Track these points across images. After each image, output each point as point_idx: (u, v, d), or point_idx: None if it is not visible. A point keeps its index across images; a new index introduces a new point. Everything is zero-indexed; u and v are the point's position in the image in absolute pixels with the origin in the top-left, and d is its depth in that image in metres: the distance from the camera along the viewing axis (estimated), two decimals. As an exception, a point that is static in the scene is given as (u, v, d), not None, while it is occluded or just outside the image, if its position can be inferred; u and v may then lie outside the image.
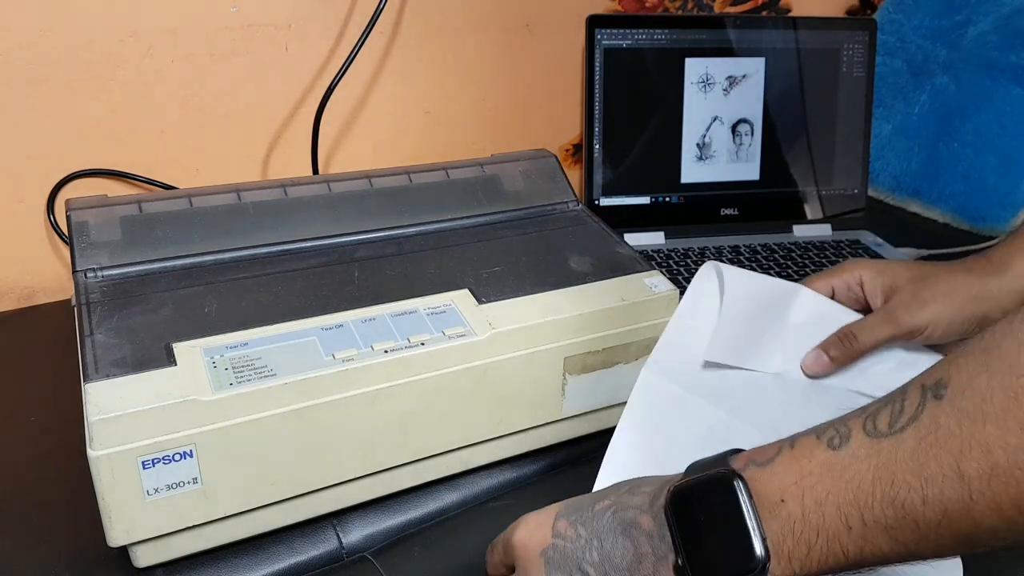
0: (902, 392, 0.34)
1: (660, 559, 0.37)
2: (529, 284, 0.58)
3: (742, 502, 0.35)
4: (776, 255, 0.90)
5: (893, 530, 0.32)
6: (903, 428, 0.33)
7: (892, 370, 0.54)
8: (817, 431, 0.36)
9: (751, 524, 0.35)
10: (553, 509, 0.43)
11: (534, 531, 0.42)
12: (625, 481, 0.43)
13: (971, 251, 0.56)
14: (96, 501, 0.46)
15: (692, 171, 0.95)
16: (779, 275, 0.85)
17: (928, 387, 0.33)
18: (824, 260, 0.88)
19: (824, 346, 0.55)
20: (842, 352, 0.54)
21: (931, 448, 0.32)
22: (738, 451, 0.39)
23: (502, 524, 0.55)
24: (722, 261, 0.87)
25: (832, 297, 0.58)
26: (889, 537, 0.33)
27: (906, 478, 0.32)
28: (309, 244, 0.62)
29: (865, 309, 0.57)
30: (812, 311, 0.56)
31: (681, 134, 0.94)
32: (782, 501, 0.35)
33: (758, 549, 0.34)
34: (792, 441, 0.37)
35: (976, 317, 0.53)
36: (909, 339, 0.54)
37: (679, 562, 0.36)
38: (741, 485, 0.36)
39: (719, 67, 0.94)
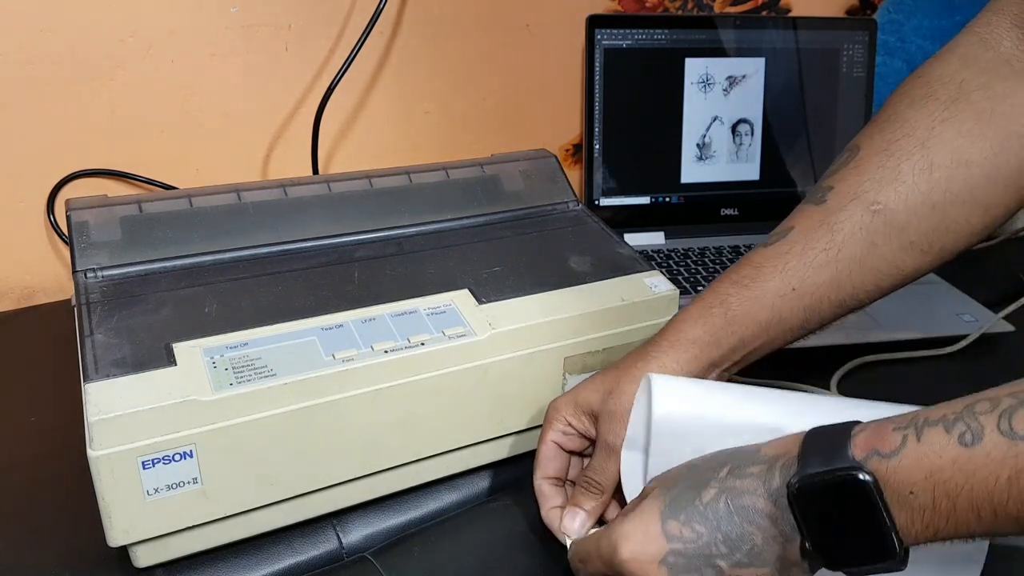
0: None
1: (788, 540, 0.38)
2: (529, 284, 0.58)
3: (877, 504, 0.36)
4: (776, 255, 0.90)
5: (1023, 519, 0.33)
6: None
7: None
8: (945, 423, 0.36)
9: (887, 523, 0.36)
10: (652, 513, 0.42)
11: (644, 542, 0.42)
12: (711, 458, 0.43)
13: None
14: (96, 501, 0.46)
15: (692, 171, 0.95)
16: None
17: None
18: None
19: (574, 501, 0.52)
20: (594, 500, 0.51)
21: None
22: (855, 424, 0.38)
23: (502, 524, 0.55)
24: (722, 261, 0.88)
25: (569, 454, 0.54)
26: (1018, 525, 0.34)
27: None
28: (309, 244, 0.61)
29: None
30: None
31: (681, 134, 0.94)
32: (911, 493, 0.35)
33: (894, 544, 0.36)
34: (918, 431, 0.36)
35: None
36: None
37: (807, 546, 0.37)
38: (873, 487, 0.36)
39: (719, 67, 0.94)
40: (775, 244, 0.53)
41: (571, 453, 0.54)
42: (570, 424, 0.53)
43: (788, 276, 0.51)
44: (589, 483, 0.51)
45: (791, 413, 0.46)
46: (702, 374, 0.52)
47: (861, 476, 0.36)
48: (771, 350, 0.54)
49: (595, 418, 0.52)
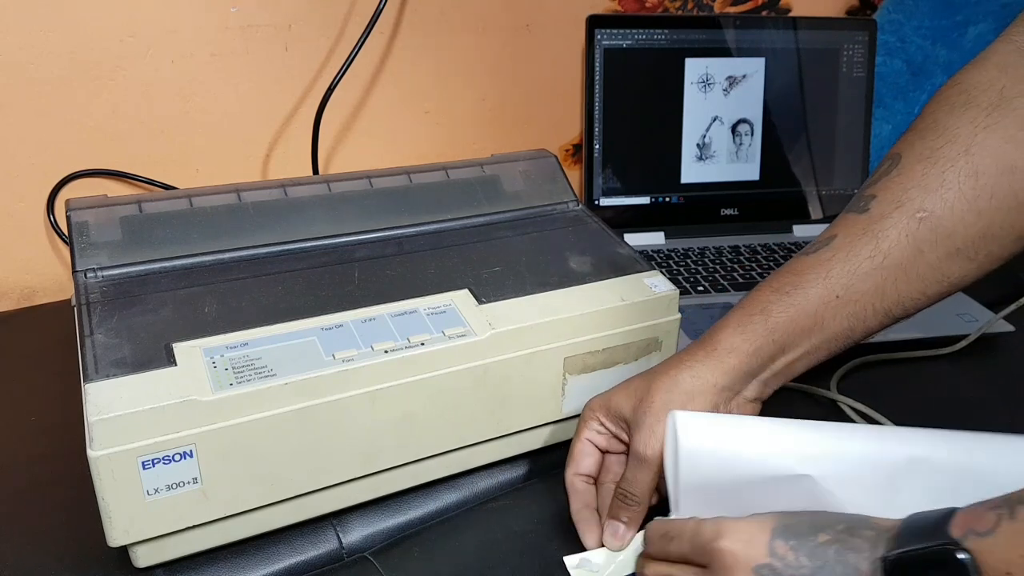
0: None
1: None
2: (529, 284, 0.58)
3: None
4: (776, 255, 0.90)
5: None
6: None
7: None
8: None
9: None
10: (764, 525, 0.42)
11: (747, 543, 0.42)
12: (830, 514, 0.43)
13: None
14: (96, 501, 0.46)
15: (692, 171, 0.95)
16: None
17: None
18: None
19: (612, 514, 0.52)
20: (632, 512, 0.52)
21: None
22: (955, 510, 0.38)
23: (502, 524, 0.55)
24: (722, 261, 0.88)
25: (604, 453, 0.55)
26: None
27: None
28: (309, 244, 0.62)
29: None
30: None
31: (681, 134, 0.94)
32: (1008, 574, 0.35)
33: None
34: (1011, 510, 0.36)
35: (704, 409, 0.51)
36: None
37: None
38: (971, 564, 0.35)
39: (719, 67, 0.94)
40: (817, 252, 0.52)
41: (605, 452, 0.55)
42: (603, 425, 0.54)
43: (832, 283, 0.51)
44: (625, 495, 0.52)
45: (820, 446, 0.46)
46: (739, 385, 0.52)
47: (959, 555, 0.36)
48: (814, 363, 0.54)
49: (627, 424, 0.52)
